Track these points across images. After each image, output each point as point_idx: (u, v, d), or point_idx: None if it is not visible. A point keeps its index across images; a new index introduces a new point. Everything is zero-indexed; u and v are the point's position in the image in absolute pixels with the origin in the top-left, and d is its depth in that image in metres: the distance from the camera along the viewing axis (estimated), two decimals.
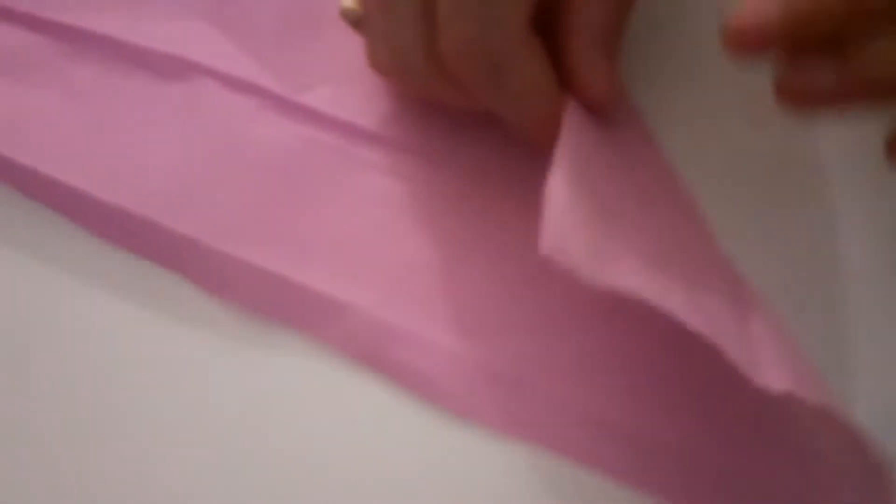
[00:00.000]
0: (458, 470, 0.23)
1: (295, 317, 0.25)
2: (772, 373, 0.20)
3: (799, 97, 0.21)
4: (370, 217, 0.25)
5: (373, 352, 0.24)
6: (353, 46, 0.27)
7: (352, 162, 0.26)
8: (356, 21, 0.26)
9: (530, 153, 0.24)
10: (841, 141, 0.27)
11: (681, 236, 0.23)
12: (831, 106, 0.21)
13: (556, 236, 0.19)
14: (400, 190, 0.26)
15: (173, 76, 0.27)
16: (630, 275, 0.19)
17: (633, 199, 0.23)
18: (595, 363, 0.24)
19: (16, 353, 0.25)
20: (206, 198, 0.25)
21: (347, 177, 0.26)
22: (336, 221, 0.25)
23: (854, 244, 0.25)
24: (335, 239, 0.25)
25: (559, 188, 0.20)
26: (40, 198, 0.26)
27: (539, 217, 0.20)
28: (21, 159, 0.26)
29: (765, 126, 0.26)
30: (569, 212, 0.20)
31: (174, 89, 0.27)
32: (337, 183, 0.26)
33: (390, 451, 0.23)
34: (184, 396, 0.24)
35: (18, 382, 0.24)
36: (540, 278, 0.24)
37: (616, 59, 0.24)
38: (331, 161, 0.26)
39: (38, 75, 0.28)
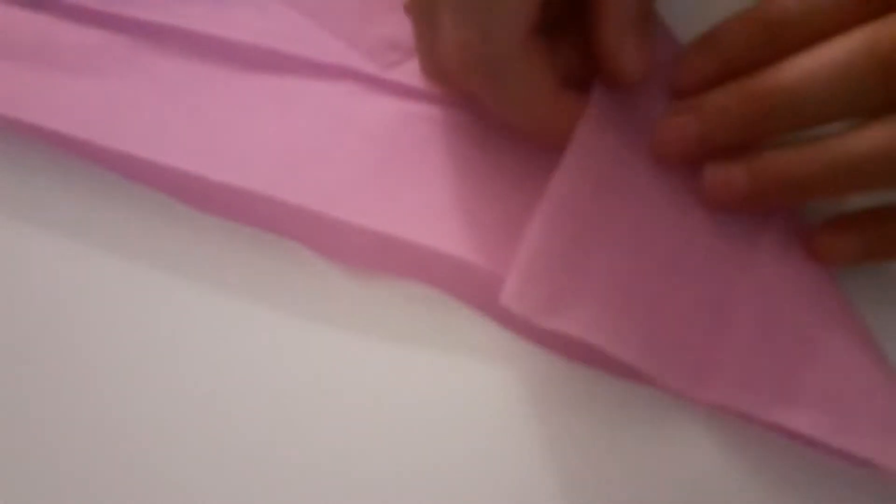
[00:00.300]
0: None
1: (424, 276, 0.26)
2: (715, 387, 0.23)
3: (721, 197, 0.24)
4: (470, 178, 0.26)
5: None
6: None
7: (445, 128, 0.27)
8: None
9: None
10: None
11: (673, 279, 0.24)
12: (751, 204, 0.24)
13: (517, 287, 0.22)
14: (493, 151, 0.26)
15: (262, 66, 0.28)
16: (581, 322, 0.22)
17: (624, 240, 0.24)
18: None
19: (121, 336, 0.26)
20: (312, 171, 0.26)
21: (443, 142, 0.27)
22: (440, 184, 0.26)
23: None
24: (443, 201, 0.26)
25: (536, 235, 0.23)
26: (139, 180, 0.27)
27: None
28: (120, 147, 0.26)
29: None
30: (536, 261, 0.23)
31: (265, 79, 0.28)
32: (434, 149, 0.27)
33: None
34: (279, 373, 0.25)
35: (123, 361, 0.25)
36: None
37: (648, 39, 0.24)
38: (425, 130, 0.27)
39: (126, 70, 0.28)
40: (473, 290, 0.25)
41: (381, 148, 0.27)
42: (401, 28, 0.28)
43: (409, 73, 0.27)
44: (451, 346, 0.25)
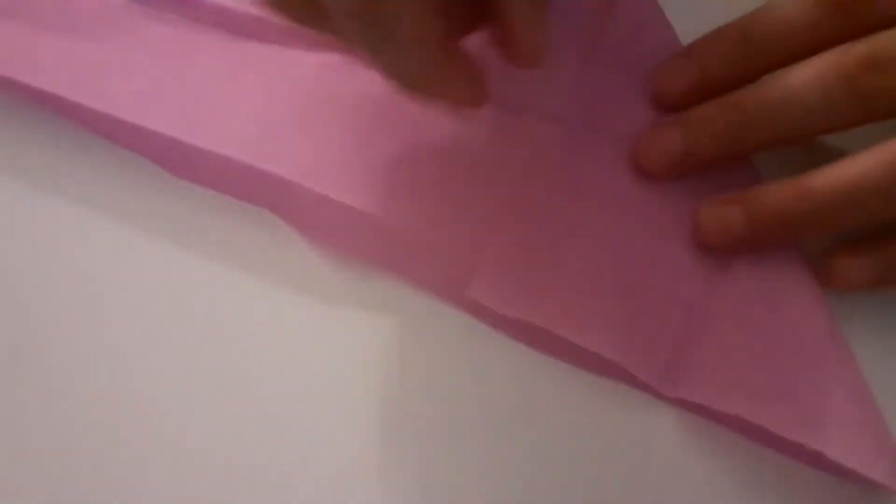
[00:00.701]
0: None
1: (384, 258, 0.25)
2: (686, 385, 0.23)
3: (719, 240, 0.24)
4: (450, 160, 0.26)
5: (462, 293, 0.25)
6: None
7: (428, 108, 0.26)
8: None
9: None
10: None
11: (633, 277, 0.24)
12: (750, 244, 0.23)
13: (486, 279, 0.24)
14: (477, 133, 0.26)
15: (250, 34, 0.28)
16: (549, 313, 0.23)
17: (597, 238, 0.25)
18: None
19: (106, 307, 0.26)
20: (294, 142, 0.26)
21: (426, 122, 0.26)
22: (422, 165, 0.26)
23: None
24: (421, 181, 0.25)
25: (508, 230, 0.24)
26: (123, 144, 0.27)
27: None
28: (103, 108, 0.26)
29: None
30: (506, 256, 0.24)
31: (252, 46, 0.27)
32: (416, 128, 0.26)
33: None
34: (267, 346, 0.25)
35: (115, 338, 0.25)
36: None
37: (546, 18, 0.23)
38: (408, 107, 0.26)
39: (115, 32, 0.28)
40: (446, 279, 0.25)
41: (361, 122, 0.26)
42: None
43: None
44: (429, 332, 0.25)
